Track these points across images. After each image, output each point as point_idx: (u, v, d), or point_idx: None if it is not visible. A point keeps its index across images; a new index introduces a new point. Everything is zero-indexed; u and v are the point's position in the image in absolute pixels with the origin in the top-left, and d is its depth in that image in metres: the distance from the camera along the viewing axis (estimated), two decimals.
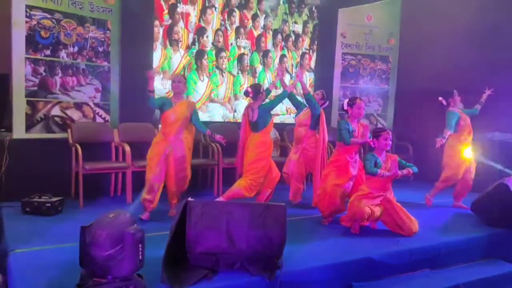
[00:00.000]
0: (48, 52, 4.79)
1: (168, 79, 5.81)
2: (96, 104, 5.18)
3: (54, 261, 3.02)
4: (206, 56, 6.12)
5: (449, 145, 5.09)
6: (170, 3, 5.83)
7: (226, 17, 6.27)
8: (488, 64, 5.85)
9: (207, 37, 6.12)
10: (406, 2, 6.99)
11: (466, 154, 5.04)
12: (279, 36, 6.74)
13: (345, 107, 4.36)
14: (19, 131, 4.66)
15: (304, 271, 3.14)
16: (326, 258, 3.34)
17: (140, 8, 5.50)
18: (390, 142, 4.07)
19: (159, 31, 5.77)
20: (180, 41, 5.94)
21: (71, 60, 4.96)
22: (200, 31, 6.07)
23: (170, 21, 5.85)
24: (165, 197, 4.31)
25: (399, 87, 7.25)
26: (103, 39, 5.15)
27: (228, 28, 6.30)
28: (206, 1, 6.09)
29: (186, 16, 5.96)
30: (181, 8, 5.91)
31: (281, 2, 6.72)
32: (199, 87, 6.12)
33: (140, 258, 2.56)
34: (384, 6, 7.11)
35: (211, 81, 6.20)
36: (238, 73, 6.42)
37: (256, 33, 6.53)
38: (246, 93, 4.64)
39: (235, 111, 6.40)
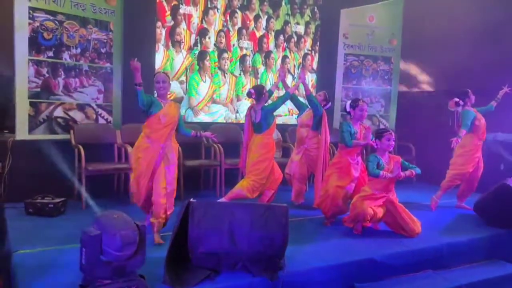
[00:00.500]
0: (51, 53, 4.81)
1: (171, 80, 5.82)
2: (99, 106, 5.20)
3: (57, 262, 3.04)
4: (208, 57, 6.12)
5: (460, 144, 5.07)
6: (172, 4, 5.84)
7: (228, 18, 6.28)
8: (491, 64, 5.84)
9: (209, 38, 6.12)
10: (408, 3, 6.98)
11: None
12: (281, 37, 6.74)
13: (348, 109, 4.37)
14: (22, 132, 4.68)
15: (306, 272, 3.15)
16: (329, 259, 3.35)
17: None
18: (393, 143, 4.07)
19: (161, 32, 5.78)
20: (182, 42, 5.95)
21: (74, 62, 4.98)
22: (202, 32, 6.08)
23: (172, 23, 5.86)
24: None
25: (402, 88, 7.24)
26: (105, 41, 5.16)
27: (230, 29, 6.31)
28: (208, 2, 6.10)
29: (188, 17, 5.97)
30: (183, 9, 5.92)
31: (283, 3, 6.73)
32: (201, 88, 6.13)
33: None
34: (386, 6, 7.11)
35: (213, 82, 6.20)
36: (240, 74, 6.42)
37: (258, 34, 6.54)
38: (249, 94, 4.66)
39: (237, 112, 6.41)
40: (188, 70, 6.02)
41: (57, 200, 4.32)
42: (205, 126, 5.92)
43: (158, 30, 5.74)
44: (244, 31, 6.40)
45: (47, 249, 3.32)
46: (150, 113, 3.60)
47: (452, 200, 5.25)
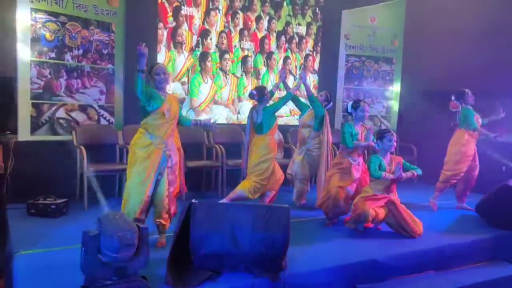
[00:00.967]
0: (53, 54, 4.83)
1: (172, 81, 5.84)
2: (101, 107, 5.21)
3: (59, 263, 3.05)
4: (210, 58, 6.13)
5: (453, 142, 5.06)
6: (174, 5, 5.84)
7: (230, 19, 6.28)
8: (493, 65, 5.83)
9: (211, 39, 6.13)
10: (410, 4, 6.98)
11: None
12: (283, 38, 6.74)
13: (349, 110, 4.37)
14: (24, 133, 4.69)
15: (308, 273, 3.15)
16: (330, 260, 3.35)
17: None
18: (394, 144, 4.07)
19: (163, 34, 5.78)
20: (184, 43, 5.95)
21: (76, 63, 4.99)
22: (204, 33, 6.08)
23: (174, 24, 5.87)
24: None
25: (403, 89, 7.23)
26: (107, 42, 5.17)
27: (232, 30, 6.31)
28: (210, 3, 6.11)
29: (190, 18, 5.97)
30: (185, 10, 5.93)
31: (285, 4, 6.73)
32: (203, 89, 6.13)
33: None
34: (388, 7, 7.10)
35: (215, 83, 6.21)
36: (242, 75, 6.42)
37: (259, 35, 6.54)
38: (251, 95, 4.67)
39: (238, 113, 6.41)
40: (190, 71, 6.02)
41: (59, 201, 4.32)
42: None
43: (160, 31, 5.75)
44: (245, 32, 6.41)
45: (49, 250, 3.33)
46: (151, 108, 3.36)
47: (454, 201, 5.24)
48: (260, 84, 6.38)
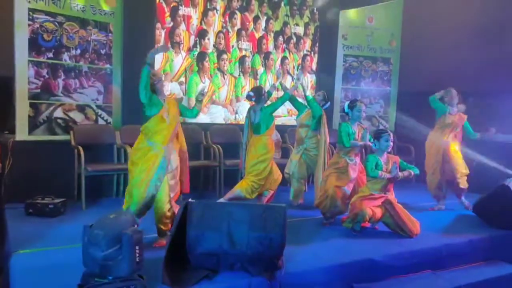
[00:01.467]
0: (50, 54, 4.83)
1: (170, 81, 5.85)
2: (99, 107, 5.21)
3: (56, 262, 3.05)
4: (207, 58, 6.14)
5: (427, 144, 5.14)
6: (171, 5, 5.85)
7: (227, 19, 6.29)
8: (490, 65, 5.85)
9: (208, 39, 6.14)
10: (408, 4, 7.00)
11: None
12: (281, 38, 6.75)
13: (346, 110, 4.38)
14: (22, 133, 4.69)
15: (304, 272, 3.15)
16: (327, 259, 3.35)
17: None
18: (391, 143, 4.08)
19: (160, 34, 5.79)
20: (182, 43, 5.96)
21: (74, 63, 4.99)
22: (201, 34, 6.09)
23: (171, 24, 5.87)
24: None
25: (401, 89, 7.25)
26: (105, 42, 5.18)
27: (230, 30, 6.32)
28: (208, 4, 6.12)
29: (187, 18, 5.98)
30: (182, 10, 5.94)
31: (283, 4, 6.74)
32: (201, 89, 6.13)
33: (138, 259, 2.57)
34: (386, 8, 7.12)
35: (213, 83, 6.21)
36: (239, 75, 6.43)
37: (257, 35, 6.55)
38: (249, 97, 4.68)
39: (236, 113, 6.42)
40: (188, 71, 6.03)
41: (57, 200, 4.33)
42: (204, 127, 5.95)
43: (157, 31, 5.76)
44: (243, 32, 6.42)
45: (46, 249, 3.33)
46: (151, 113, 3.42)
47: (452, 201, 5.25)
48: (257, 84, 6.40)
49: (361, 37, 7.04)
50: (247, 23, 6.46)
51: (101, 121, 5.24)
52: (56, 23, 4.83)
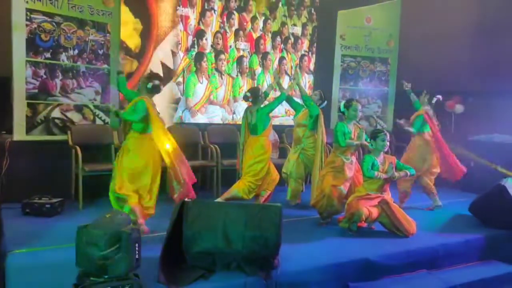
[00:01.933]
0: (48, 55, 4.83)
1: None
2: (96, 107, 5.22)
3: (52, 261, 3.06)
4: (205, 59, 6.15)
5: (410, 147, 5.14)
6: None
7: (225, 19, 6.30)
8: (488, 65, 5.87)
9: (206, 39, 6.15)
10: (406, 4, 7.01)
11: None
12: (278, 38, 6.76)
13: (342, 109, 4.39)
14: (19, 133, 4.69)
15: (300, 272, 3.16)
16: (323, 259, 3.36)
17: None
18: (388, 144, 4.09)
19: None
20: (180, 43, 5.97)
21: (71, 63, 5.00)
22: (199, 34, 6.10)
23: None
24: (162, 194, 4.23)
25: (399, 89, 7.26)
26: (103, 42, 5.18)
27: (227, 30, 6.33)
28: (206, 4, 6.13)
29: (185, 18, 5.99)
30: (180, 11, 5.95)
31: (280, 5, 6.76)
32: (199, 90, 6.14)
33: (137, 257, 2.59)
34: (384, 8, 7.13)
35: (211, 83, 6.22)
36: (237, 75, 6.45)
37: (255, 36, 6.56)
38: (246, 98, 4.70)
39: (234, 113, 6.43)
40: (185, 72, 6.04)
41: (54, 200, 4.34)
42: (202, 127, 5.96)
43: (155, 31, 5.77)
44: (241, 32, 6.43)
45: (42, 249, 3.34)
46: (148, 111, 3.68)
47: (450, 200, 5.26)
48: (255, 85, 6.41)
49: (359, 37, 7.05)
50: (245, 24, 6.48)
51: (98, 121, 5.25)
52: (54, 24, 4.84)
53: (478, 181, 5.26)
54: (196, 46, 6.09)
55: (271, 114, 4.71)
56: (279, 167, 4.97)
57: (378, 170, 3.98)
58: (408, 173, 4.07)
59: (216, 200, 4.43)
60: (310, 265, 3.24)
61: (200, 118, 6.15)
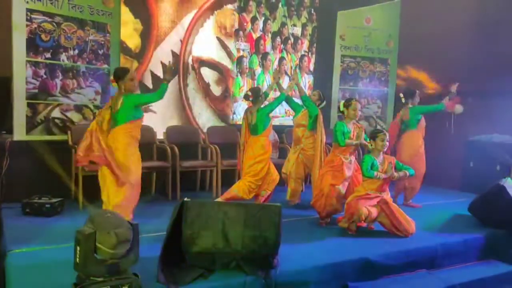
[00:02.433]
0: (48, 55, 4.84)
1: None
2: (96, 107, 5.22)
3: (52, 261, 3.06)
4: None
5: (408, 144, 5.12)
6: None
7: None
8: (489, 65, 5.87)
9: None
10: (405, 5, 7.01)
11: None
12: (278, 39, 6.77)
13: (341, 109, 4.40)
14: (19, 133, 4.70)
15: (300, 271, 3.16)
16: (322, 258, 3.36)
17: None
18: (387, 143, 4.10)
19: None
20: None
21: (72, 63, 5.01)
22: None
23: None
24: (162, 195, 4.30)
25: (398, 89, 7.26)
26: (103, 42, 5.19)
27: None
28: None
29: None
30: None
31: (280, 5, 6.76)
32: None
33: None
34: (383, 8, 7.13)
35: None
36: (237, 75, 6.45)
37: (255, 36, 6.57)
38: (246, 97, 4.70)
39: (234, 113, 6.43)
40: None
41: (54, 200, 4.34)
42: (202, 127, 5.97)
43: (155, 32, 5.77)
44: (241, 32, 6.44)
45: (42, 248, 3.34)
46: (135, 117, 3.87)
47: (449, 200, 5.26)
48: (255, 85, 6.41)
49: (359, 37, 7.05)
50: (245, 24, 6.48)
51: None
52: (54, 24, 4.84)
53: (478, 181, 5.26)
54: None
55: (271, 115, 4.71)
56: (279, 167, 4.98)
57: (377, 170, 3.99)
58: (408, 173, 4.07)
59: (216, 200, 4.44)
60: (310, 264, 3.25)
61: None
